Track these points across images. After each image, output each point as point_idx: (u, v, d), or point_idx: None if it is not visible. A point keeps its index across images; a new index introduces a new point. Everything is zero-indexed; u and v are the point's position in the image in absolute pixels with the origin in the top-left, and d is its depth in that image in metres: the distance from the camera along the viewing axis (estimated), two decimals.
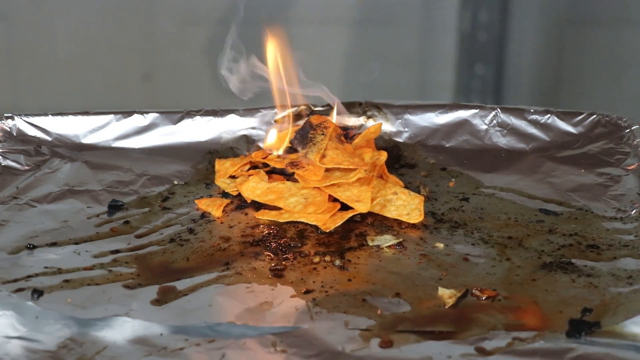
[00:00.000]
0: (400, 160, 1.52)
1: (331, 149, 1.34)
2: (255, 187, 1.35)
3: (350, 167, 1.32)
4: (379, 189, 1.34)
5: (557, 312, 1.10)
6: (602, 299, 1.13)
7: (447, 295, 1.13)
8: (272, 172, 1.39)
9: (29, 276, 1.17)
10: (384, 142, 1.55)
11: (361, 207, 1.30)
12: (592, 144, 1.51)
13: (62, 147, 1.50)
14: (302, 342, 1.05)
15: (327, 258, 1.22)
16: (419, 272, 1.19)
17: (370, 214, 1.32)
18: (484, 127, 1.56)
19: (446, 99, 2.53)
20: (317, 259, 1.21)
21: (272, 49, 1.44)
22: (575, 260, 1.22)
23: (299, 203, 1.32)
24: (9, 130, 1.50)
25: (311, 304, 1.12)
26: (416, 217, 1.31)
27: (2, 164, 1.43)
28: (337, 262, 1.21)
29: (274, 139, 1.45)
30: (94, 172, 1.45)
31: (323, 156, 1.33)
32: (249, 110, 1.57)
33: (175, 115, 1.56)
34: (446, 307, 1.11)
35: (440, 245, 1.25)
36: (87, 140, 1.52)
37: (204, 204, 1.36)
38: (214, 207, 1.35)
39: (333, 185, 1.32)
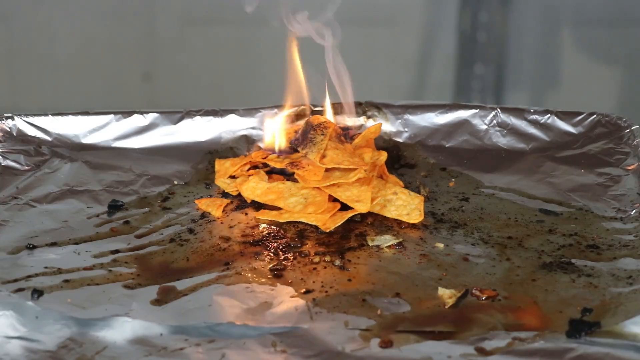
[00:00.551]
0: (400, 160, 1.52)
1: (331, 149, 1.34)
2: (255, 187, 1.35)
3: (351, 167, 1.32)
4: (379, 189, 1.34)
5: (557, 312, 1.10)
6: (602, 299, 1.13)
7: (447, 295, 1.13)
8: (272, 172, 1.39)
9: (29, 276, 1.17)
10: (384, 142, 1.55)
11: (361, 207, 1.30)
12: (592, 144, 1.51)
13: (62, 147, 1.50)
14: (302, 342, 1.05)
15: (327, 258, 1.22)
16: (419, 272, 1.19)
17: (370, 214, 1.32)
18: (484, 127, 1.56)
19: (446, 99, 2.53)
20: (317, 259, 1.21)
21: (293, 48, 1.44)
22: (575, 260, 1.22)
23: (299, 203, 1.32)
24: (9, 130, 1.50)
25: (311, 304, 1.12)
26: (416, 217, 1.31)
27: (2, 164, 1.43)
28: (337, 262, 1.21)
29: (273, 138, 1.45)
30: (94, 172, 1.45)
31: (323, 156, 1.33)
32: (249, 110, 1.57)
33: (175, 115, 1.56)
34: (446, 307, 1.12)
35: (440, 245, 1.25)
36: (87, 140, 1.52)
37: (204, 204, 1.36)
38: (214, 207, 1.35)
39: (333, 185, 1.32)
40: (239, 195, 1.37)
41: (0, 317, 1.07)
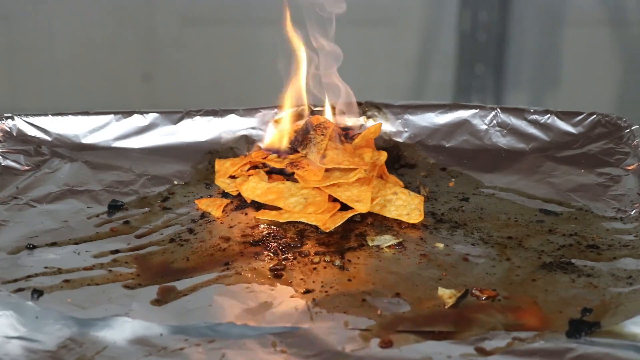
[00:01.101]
0: (400, 160, 1.52)
1: (331, 149, 1.35)
2: (255, 187, 1.35)
3: (351, 166, 1.32)
4: (379, 189, 1.34)
5: (557, 312, 1.10)
6: (602, 299, 1.13)
7: (447, 295, 1.13)
8: (272, 172, 1.39)
9: (29, 276, 1.17)
10: (384, 142, 1.55)
11: (361, 207, 1.30)
12: (592, 144, 1.51)
13: (62, 147, 1.50)
14: (302, 342, 1.05)
15: (327, 258, 1.22)
16: (419, 272, 1.19)
17: (370, 214, 1.32)
18: (484, 127, 1.56)
19: (446, 99, 2.53)
20: (317, 259, 1.21)
21: (297, 48, 1.44)
22: (575, 260, 1.22)
23: (299, 203, 1.32)
24: (9, 130, 1.50)
25: (311, 304, 1.12)
26: (416, 217, 1.31)
27: (2, 164, 1.43)
28: (337, 262, 1.21)
29: (274, 138, 1.45)
30: (94, 172, 1.45)
31: (323, 156, 1.33)
32: (249, 110, 1.57)
33: (175, 115, 1.56)
34: (446, 307, 1.12)
35: (440, 245, 1.25)
36: (87, 140, 1.53)
37: (204, 204, 1.36)
38: (214, 207, 1.35)
39: (333, 185, 1.32)
40: (239, 195, 1.37)
41: (0, 317, 1.07)
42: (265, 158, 1.41)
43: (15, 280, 1.16)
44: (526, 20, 2.57)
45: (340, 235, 1.28)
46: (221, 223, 1.31)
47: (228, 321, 1.08)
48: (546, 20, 2.58)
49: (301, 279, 1.17)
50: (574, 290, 1.15)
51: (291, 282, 1.17)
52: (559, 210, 1.35)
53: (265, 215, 1.31)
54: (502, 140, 1.55)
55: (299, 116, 1.54)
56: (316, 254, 1.23)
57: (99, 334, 1.06)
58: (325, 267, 1.20)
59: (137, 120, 1.54)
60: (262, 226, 1.30)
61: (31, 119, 1.51)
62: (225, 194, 1.40)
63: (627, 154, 1.46)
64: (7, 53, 2.63)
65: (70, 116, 1.53)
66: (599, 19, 2.57)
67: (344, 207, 1.31)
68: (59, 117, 1.52)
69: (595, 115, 1.54)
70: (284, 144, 1.43)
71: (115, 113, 1.54)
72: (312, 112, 1.54)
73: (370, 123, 1.57)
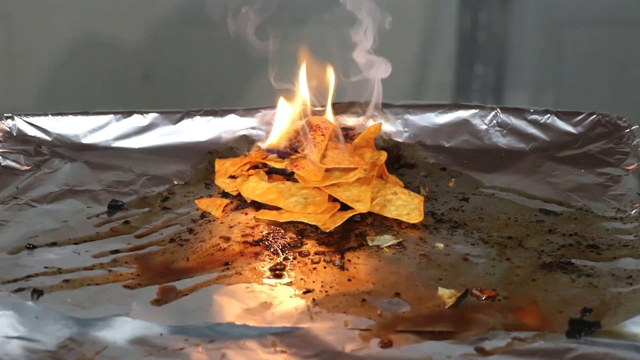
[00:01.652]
0: (400, 160, 1.52)
1: (331, 149, 1.35)
2: (255, 187, 1.35)
3: (351, 166, 1.32)
4: (379, 189, 1.34)
5: (557, 312, 1.10)
6: (602, 299, 1.13)
7: (447, 295, 1.13)
8: (272, 172, 1.39)
9: (29, 276, 1.17)
10: (384, 142, 1.55)
11: (361, 207, 1.30)
12: (592, 144, 1.51)
13: (62, 147, 1.50)
14: (302, 342, 1.05)
15: (327, 258, 1.22)
16: (419, 272, 1.19)
17: (370, 214, 1.32)
18: (484, 127, 1.56)
19: (446, 99, 2.53)
20: (317, 259, 1.21)
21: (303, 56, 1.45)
22: (575, 260, 1.22)
23: (298, 203, 1.32)
24: (9, 130, 1.50)
25: (311, 304, 1.12)
26: (416, 217, 1.31)
27: (2, 164, 1.43)
28: (337, 262, 1.21)
29: (274, 139, 1.45)
30: (94, 172, 1.45)
31: (323, 156, 1.33)
32: (248, 110, 1.57)
33: (175, 115, 1.56)
34: (446, 307, 1.12)
35: (440, 245, 1.25)
36: (87, 140, 1.52)
37: (203, 204, 1.36)
38: (214, 207, 1.35)
39: (333, 185, 1.32)
40: (239, 195, 1.37)
41: (0, 317, 1.07)
42: (265, 158, 1.41)
43: (15, 280, 1.16)
44: (526, 20, 2.57)
45: (340, 235, 1.28)
46: (221, 223, 1.31)
47: (228, 321, 1.07)
48: (546, 20, 2.58)
49: (301, 278, 1.17)
50: (574, 290, 1.15)
51: (291, 282, 1.17)
52: (559, 210, 1.35)
53: (265, 215, 1.31)
54: (502, 140, 1.55)
55: (299, 116, 1.54)
56: (316, 253, 1.23)
57: (99, 334, 1.06)
58: (325, 267, 1.20)
59: (137, 120, 1.54)
60: (262, 226, 1.30)
61: (31, 119, 1.51)
62: (225, 194, 1.40)
63: (627, 154, 1.46)
64: (7, 53, 2.62)
65: (70, 116, 1.53)
66: (599, 19, 2.56)
67: (344, 207, 1.31)
68: (59, 117, 1.52)
69: (595, 115, 1.54)
70: (284, 144, 1.42)
71: (115, 113, 1.54)
72: (312, 112, 1.54)
73: (370, 123, 1.57)
